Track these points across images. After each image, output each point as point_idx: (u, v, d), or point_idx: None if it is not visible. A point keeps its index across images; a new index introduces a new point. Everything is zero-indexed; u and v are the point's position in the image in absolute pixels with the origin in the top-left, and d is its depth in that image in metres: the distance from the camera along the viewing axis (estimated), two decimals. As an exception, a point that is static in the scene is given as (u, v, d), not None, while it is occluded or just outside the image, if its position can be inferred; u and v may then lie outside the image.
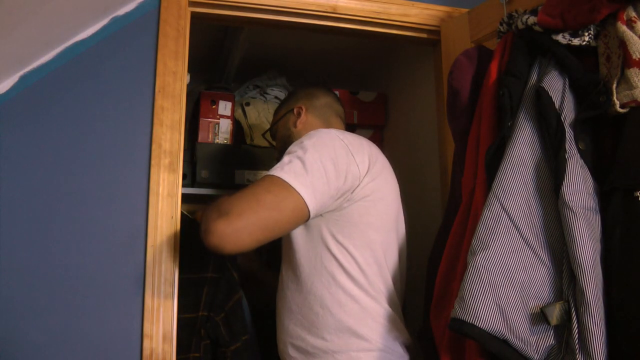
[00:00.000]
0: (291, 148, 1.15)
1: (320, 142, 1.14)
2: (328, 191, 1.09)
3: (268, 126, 2.06)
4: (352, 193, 1.14)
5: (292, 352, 1.17)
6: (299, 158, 1.09)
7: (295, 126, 1.40)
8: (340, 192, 1.12)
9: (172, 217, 1.33)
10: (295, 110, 1.42)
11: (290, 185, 1.04)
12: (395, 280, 1.20)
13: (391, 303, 1.17)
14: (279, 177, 1.05)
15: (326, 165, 1.09)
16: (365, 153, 1.18)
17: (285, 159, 1.11)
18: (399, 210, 1.27)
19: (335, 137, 1.17)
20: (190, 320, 1.38)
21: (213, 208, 1.03)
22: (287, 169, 1.07)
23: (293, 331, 1.17)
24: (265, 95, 2.19)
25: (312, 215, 1.07)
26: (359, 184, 1.14)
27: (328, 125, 1.38)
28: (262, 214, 1.02)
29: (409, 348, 1.17)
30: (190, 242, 1.34)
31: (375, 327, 1.12)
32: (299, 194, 1.04)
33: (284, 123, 1.44)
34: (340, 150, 1.14)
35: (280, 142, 1.44)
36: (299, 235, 1.17)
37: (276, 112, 1.51)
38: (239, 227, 0.99)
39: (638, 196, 0.92)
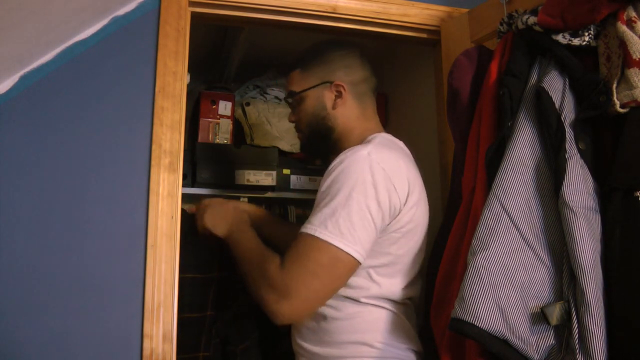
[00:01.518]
0: (330, 187, 1.07)
1: (361, 179, 1.05)
2: (374, 235, 1.07)
3: (268, 126, 2.05)
4: (388, 225, 1.11)
5: (303, 353, 1.19)
6: (342, 207, 1.03)
7: (333, 107, 1.25)
8: (383, 227, 1.10)
9: (172, 217, 1.33)
10: (334, 87, 1.25)
11: (339, 249, 1.02)
12: (413, 291, 1.19)
13: (405, 313, 1.17)
14: (326, 242, 1.02)
15: (371, 207, 1.05)
16: (404, 179, 1.12)
17: (326, 209, 1.04)
18: (425, 233, 1.22)
19: (375, 167, 1.07)
20: (198, 319, 1.38)
21: (266, 283, 1.05)
22: (332, 228, 1.02)
23: (307, 337, 1.18)
24: (265, 95, 2.19)
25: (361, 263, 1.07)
26: (397, 216, 1.11)
27: (364, 111, 1.27)
28: (319, 288, 1.04)
29: (416, 353, 1.16)
30: (194, 241, 1.35)
31: (386, 337, 1.12)
32: (349, 254, 1.02)
33: (317, 96, 1.26)
34: (383, 182, 1.07)
35: (309, 116, 1.27)
36: None
37: (304, 69, 1.28)
38: (300, 306, 1.04)
39: (638, 196, 0.92)
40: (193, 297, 1.38)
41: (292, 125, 2.09)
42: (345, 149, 1.15)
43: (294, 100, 1.30)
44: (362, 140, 1.20)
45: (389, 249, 1.12)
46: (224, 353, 1.39)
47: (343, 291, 1.11)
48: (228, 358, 1.39)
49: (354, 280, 1.10)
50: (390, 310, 1.14)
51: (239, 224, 1.29)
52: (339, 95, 1.25)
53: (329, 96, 1.25)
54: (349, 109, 1.26)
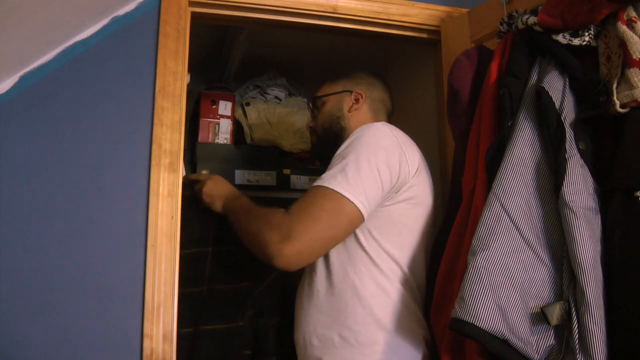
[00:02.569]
0: (344, 150, 1.15)
1: (373, 142, 1.14)
2: (381, 195, 1.12)
3: (268, 126, 2.06)
4: (396, 193, 1.16)
5: (315, 341, 1.17)
6: (353, 162, 1.10)
7: (349, 111, 1.38)
8: (390, 191, 1.15)
9: (172, 217, 1.33)
10: (353, 95, 1.39)
11: (344, 197, 1.07)
12: (421, 278, 1.22)
13: (416, 300, 1.20)
14: (332, 190, 1.07)
15: (380, 167, 1.11)
16: (416, 154, 1.21)
17: (338, 166, 1.12)
18: (434, 217, 1.28)
19: (388, 134, 1.18)
20: (233, 291, 1.38)
21: (269, 227, 1.09)
22: (340, 179, 1.08)
23: (318, 321, 1.18)
24: (265, 95, 2.19)
25: (365, 219, 1.11)
26: (406, 184, 1.17)
27: (377, 121, 1.36)
28: (321, 233, 1.07)
29: (428, 343, 1.18)
30: (189, 215, 1.37)
31: (402, 321, 1.14)
32: (353, 204, 1.07)
33: (337, 100, 1.41)
34: (394, 148, 1.15)
35: (325, 117, 1.41)
36: None
37: (332, 81, 1.45)
38: (302, 249, 1.06)
39: (638, 196, 0.92)
40: (227, 270, 1.39)
41: (292, 125, 2.11)
42: None
43: (315, 105, 1.43)
44: None
45: (403, 220, 1.17)
46: (256, 326, 1.38)
47: (362, 271, 1.14)
48: (260, 331, 1.38)
49: (371, 263, 1.15)
50: (404, 295, 1.16)
51: (233, 194, 1.32)
52: (356, 102, 1.38)
53: (347, 101, 1.39)
54: (363, 116, 1.37)
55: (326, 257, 1.19)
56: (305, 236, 1.05)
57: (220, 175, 1.98)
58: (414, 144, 1.27)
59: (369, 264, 1.15)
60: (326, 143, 1.37)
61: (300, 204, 1.10)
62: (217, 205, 1.32)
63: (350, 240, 1.16)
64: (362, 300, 1.13)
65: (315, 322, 1.18)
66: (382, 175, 1.11)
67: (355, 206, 1.07)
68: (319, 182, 1.11)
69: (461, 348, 1.02)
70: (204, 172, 1.49)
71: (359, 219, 1.10)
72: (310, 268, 1.24)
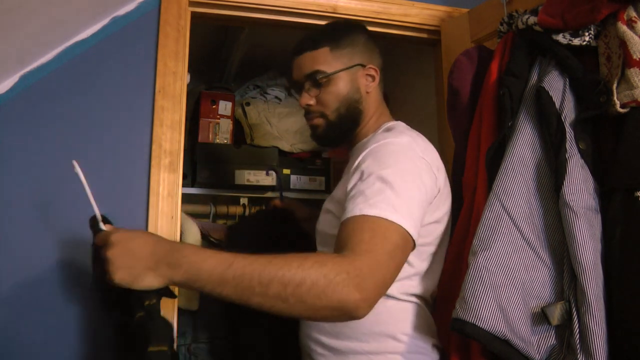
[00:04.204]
0: (381, 171, 0.97)
1: (411, 167, 1.00)
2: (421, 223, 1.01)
3: (268, 126, 2.05)
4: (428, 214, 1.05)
5: (320, 349, 1.09)
6: (404, 190, 0.95)
7: (367, 91, 1.18)
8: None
9: (172, 217, 1.33)
10: (366, 70, 1.18)
11: (407, 231, 0.93)
12: (433, 284, 1.14)
13: (428, 305, 1.12)
14: (395, 223, 0.91)
15: (423, 196, 1.00)
16: (442, 169, 1.09)
17: (386, 191, 0.94)
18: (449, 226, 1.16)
19: (417, 154, 1.03)
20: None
21: (330, 278, 0.82)
22: (400, 210, 0.92)
23: (323, 328, 1.09)
24: (265, 95, 2.19)
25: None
26: (433, 205, 1.06)
27: (381, 98, 1.23)
28: (393, 272, 0.92)
29: (439, 349, 1.11)
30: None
31: (413, 330, 1.06)
32: (412, 237, 0.95)
33: (350, 78, 1.16)
34: (424, 168, 1.02)
35: (339, 100, 1.16)
36: None
37: (333, 47, 1.16)
38: (378, 295, 0.88)
39: (638, 196, 0.92)
40: None
41: (292, 125, 2.11)
42: (360, 135, 1.17)
43: (317, 83, 1.16)
44: (377, 128, 1.17)
45: (422, 240, 1.04)
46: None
47: None
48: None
49: None
50: (417, 303, 1.08)
51: (176, 252, 0.86)
52: (372, 79, 1.19)
53: (362, 79, 1.18)
54: (376, 96, 1.21)
55: None
56: (380, 279, 0.87)
57: (220, 175, 1.93)
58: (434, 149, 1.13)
59: None
60: (341, 130, 1.18)
61: (366, 240, 0.89)
62: (149, 279, 0.85)
63: None
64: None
65: (322, 330, 1.09)
66: (425, 203, 1.01)
67: (413, 239, 0.95)
68: (374, 212, 0.91)
69: (467, 348, 1.02)
70: (105, 226, 0.95)
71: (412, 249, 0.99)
72: None
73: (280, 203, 1.55)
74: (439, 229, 1.10)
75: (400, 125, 1.17)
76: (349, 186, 1.00)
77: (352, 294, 0.82)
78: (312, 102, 1.17)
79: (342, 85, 1.15)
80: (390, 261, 0.89)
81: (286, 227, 1.50)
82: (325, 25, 1.26)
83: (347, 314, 0.84)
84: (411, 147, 1.03)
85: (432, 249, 1.09)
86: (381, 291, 0.88)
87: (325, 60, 1.16)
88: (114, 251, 0.85)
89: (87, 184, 0.94)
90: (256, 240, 1.47)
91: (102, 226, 0.92)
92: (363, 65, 1.17)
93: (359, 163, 1.02)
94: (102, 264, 0.85)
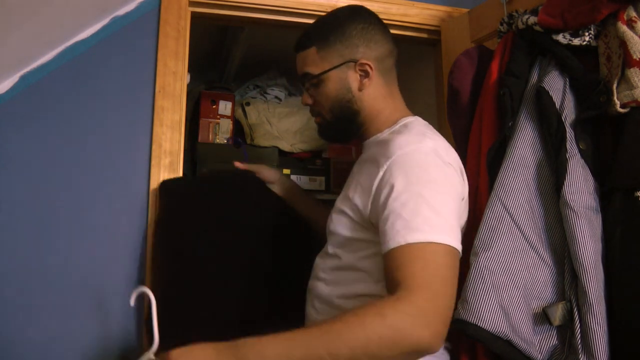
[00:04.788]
0: (407, 184, 0.91)
1: (441, 179, 0.95)
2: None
3: (268, 126, 2.05)
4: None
5: None
6: (442, 207, 0.91)
7: (359, 89, 1.10)
8: None
9: (172, 217, 1.33)
10: (358, 66, 1.09)
11: (455, 249, 0.89)
12: None
13: None
14: (444, 244, 0.88)
15: (456, 206, 0.96)
16: (464, 171, 1.05)
17: (412, 203, 0.89)
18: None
19: (445, 161, 0.98)
20: None
21: (393, 324, 0.80)
22: (446, 229, 0.89)
23: None
24: (265, 95, 2.19)
25: None
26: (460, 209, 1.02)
27: (390, 89, 1.14)
28: (454, 296, 0.89)
29: (449, 351, 1.06)
30: None
31: None
32: (459, 253, 0.91)
33: (339, 77, 1.10)
34: (453, 174, 0.99)
35: (330, 101, 1.11)
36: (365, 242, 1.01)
37: (322, 45, 1.10)
38: (446, 325, 0.85)
39: (638, 196, 0.92)
40: None
41: (292, 125, 2.11)
42: (372, 132, 1.11)
43: (311, 84, 1.12)
44: (392, 123, 1.10)
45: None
46: None
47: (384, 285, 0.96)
48: None
49: None
50: None
51: (240, 347, 0.83)
52: (365, 75, 1.10)
53: (354, 77, 1.10)
54: (376, 88, 1.12)
55: (354, 267, 1.01)
56: (444, 308, 0.84)
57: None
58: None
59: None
60: (339, 129, 1.14)
61: (419, 272, 0.85)
62: None
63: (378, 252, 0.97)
64: None
65: None
66: (459, 210, 0.99)
67: (458, 251, 0.91)
68: (418, 237, 0.87)
69: (475, 348, 1.01)
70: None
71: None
72: (331, 283, 1.05)
73: (242, 164, 1.38)
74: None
75: (419, 122, 1.10)
76: (380, 200, 0.93)
77: (421, 335, 0.80)
78: (310, 101, 1.15)
79: (331, 86, 1.10)
80: (447, 286, 0.86)
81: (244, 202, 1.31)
82: (318, 19, 1.19)
83: (424, 352, 0.82)
84: (437, 153, 0.98)
85: None
86: (447, 320, 0.84)
87: (312, 61, 1.11)
88: None
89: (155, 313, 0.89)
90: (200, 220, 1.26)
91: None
92: (355, 61, 1.09)
93: (385, 174, 0.95)
94: None
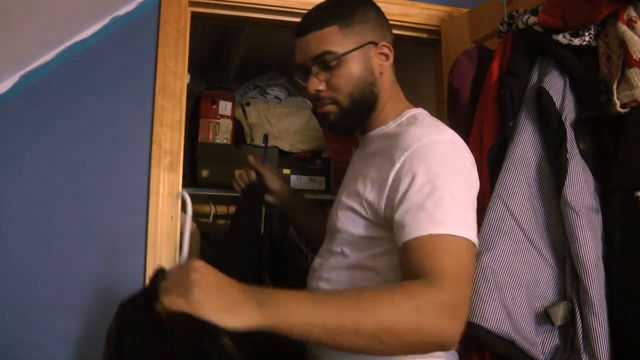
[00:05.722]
0: (428, 174, 0.88)
1: (460, 171, 0.92)
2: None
3: (268, 126, 2.05)
4: None
5: (329, 352, 0.98)
6: (463, 203, 0.88)
7: (381, 72, 1.06)
8: None
9: (172, 217, 1.33)
10: (379, 49, 1.06)
11: (474, 244, 0.87)
12: None
13: None
14: (466, 239, 0.85)
15: (473, 197, 0.93)
16: (475, 164, 1.00)
17: (435, 195, 0.86)
18: None
19: (462, 154, 0.95)
20: None
21: (427, 313, 0.77)
22: (469, 224, 0.87)
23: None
24: (265, 95, 2.19)
25: None
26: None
27: (394, 78, 1.13)
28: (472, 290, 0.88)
29: (457, 351, 1.03)
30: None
31: None
32: (474, 244, 0.88)
33: (363, 58, 1.04)
34: (470, 167, 0.95)
35: (353, 83, 1.04)
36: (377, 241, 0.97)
37: (342, 25, 1.04)
38: (466, 318, 0.83)
39: (638, 196, 0.92)
40: None
41: (292, 125, 2.10)
42: (377, 122, 1.06)
43: (327, 66, 1.04)
44: (396, 115, 1.07)
45: None
46: None
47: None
48: None
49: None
50: None
51: (265, 293, 0.76)
52: (385, 58, 1.07)
53: (374, 57, 1.06)
54: (389, 77, 1.10)
55: (362, 266, 0.98)
56: (467, 302, 0.84)
57: (220, 175, 1.84)
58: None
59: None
60: (355, 116, 1.06)
61: (448, 265, 0.82)
62: (239, 317, 0.72)
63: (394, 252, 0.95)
64: None
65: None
66: (475, 203, 0.95)
67: (476, 246, 0.89)
68: (444, 230, 0.84)
69: (483, 347, 1.01)
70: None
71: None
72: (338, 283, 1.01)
73: (254, 162, 1.36)
74: None
75: (426, 114, 1.08)
76: (398, 194, 0.90)
77: (446, 327, 0.77)
78: (322, 87, 1.05)
79: (354, 67, 1.03)
80: (470, 281, 0.85)
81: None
82: (329, 0, 1.12)
83: (442, 346, 0.79)
84: (455, 145, 0.95)
85: None
86: (467, 317, 0.82)
87: (334, 39, 1.03)
88: (203, 277, 0.73)
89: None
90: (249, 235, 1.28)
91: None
92: (375, 44, 1.05)
93: (403, 167, 0.91)
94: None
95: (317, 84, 1.05)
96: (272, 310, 0.73)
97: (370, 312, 0.75)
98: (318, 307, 0.75)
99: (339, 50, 1.03)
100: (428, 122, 1.01)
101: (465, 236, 0.85)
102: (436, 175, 0.88)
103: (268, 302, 0.74)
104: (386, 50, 1.07)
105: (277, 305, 0.74)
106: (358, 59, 1.04)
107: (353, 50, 1.03)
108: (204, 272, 0.74)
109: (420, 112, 1.07)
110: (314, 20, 1.06)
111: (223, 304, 0.72)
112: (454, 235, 0.84)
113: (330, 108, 1.06)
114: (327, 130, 1.16)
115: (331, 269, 1.02)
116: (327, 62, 1.03)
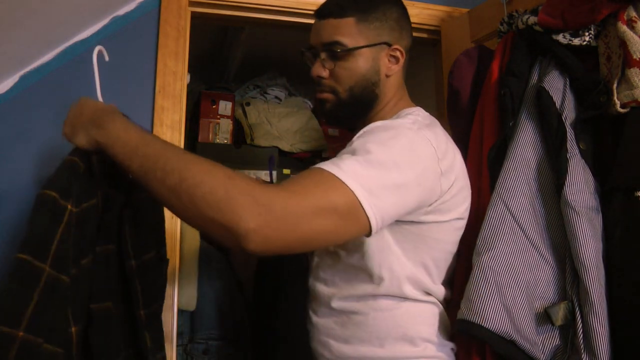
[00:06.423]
0: (363, 140, 0.88)
1: (398, 143, 0.90)
2: (401, 214, 0.90)
3: (268, 126, 2.05)
4: (428, 206, 0.94)
5: (328, 355, 1.01)
6: (383, 169, 0.85)
7: (387, 74, 1.06)
8: (420, 205, 0.93)
9: (172, 217, 1.33)
10: (391, 51, 1.06)
11: (364, 209, 0.82)
12: (449, 283, 1.07)
13: (444, 304, 1.05)
14: (352, 192, 0.81)
15: (413, 184, 0.89)
16: (455, 167, 0.98)
17: (367, 163, 0.84)
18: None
19: (427, 142, 0.92)
20: None
21: (244, 199, 0.75)
22: (365, 182, 0.82)
23: (333, 332, 1.01)
24: (265, 95, 2.19)
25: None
26: (439, 199, 0.95)
27: (402, 83, 1.12)
28: (312, 229, 0.82)
29: (454, 351, 1.05)
30: None
31: (430, 333, 1.00)
32: (368, 220, 0.83)
33: (373, 57, 1.04)
34: (431, 161, 0.92)
35: (356, 78, 1.04)
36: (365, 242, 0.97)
37: (361, 18, 1.03)
38: (279, 237, 0.79)
39: (638, 196, 0.92)
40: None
41: (292, 125, 2.11)
42: (375, 120, 1.03)
43: (334, 55, 1.03)
44: (395, 113, 1.06)
45: (437, 235, 0.98)
46: None
47: (394, 288, 0.96)
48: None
49: (404, 276, 0.97)
50: (433, 304, 1.01)
51: (108, 116, 0.90)
52: (395, 61, 1.07)
53: (384, 59, 1.05)
54: (397, 79, 1.09)
55: (353, 266, 0.99)
56: (296, 226, 0.81)
57: None
58: (453, 144, 1.03)
59: (401, 278, 0.98)
60: (350, 111, 1.07)
61: (302, 183, 0.83)
62: (81, 137, 0.90)
63: (389, 254, 0.97)
64: (385, 312, 0.97)
65: (329, 333, 1.01)
66: (415, 193, 0.91)
67: (370, 223, 0.84)
68: (334, 171, 0.83)
69: (484, 347, 1.01)
70: None
71: (363, 235, 0.88)
72: (327, 285, 1.04)
73: None
74: (456, 224, 1.01)
75: (419, 111, 1.06)
76: None
77: (246, 220, 0.73)
78: (324, 74, 1.05)
79: (361, 63, 1.03)
80: (315, 218, 0.78)
81: None
82: None
83: (234, 237, 0.74)
84: (420, 132, 0.93)
85: (441, 248, 1.02)
86: (285, 237, 0.77)
87: (348, 31, 1.03)
88: (72, 109, 0.94)
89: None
90: None
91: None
92: (389, 45, 1.05)
93: (358, 136, 0.91)
94: None
95: (321, 70, 1.05)
96: (105, 132, 0.87)
97: (183, 168, 0.78)
98: (146, 145, 0.83)
99: (350, 43, 1.02)
100: (414, 119, 0.99)
101: (350, 187, 0.80)
102: (369, 141, 0.88)
103: (108, 125, 0.88)
104: (398, 54, 1.06)
105: (113, 129, 0.87)
106: (366, 57, 1.04)
107: (363, 47, 1.03)
108: (78, 103, 0.94)
109: (415, 110, 1.06)
110: (335, 6, 1.05)
111: (72, 129, 0.91)
112: (339, 178, 0.80)
113: (328, 96, 1.06)
114: (323, 122, 1.16)
115: (326, 268, 1.04)
116: (336, 52, 1.03)
